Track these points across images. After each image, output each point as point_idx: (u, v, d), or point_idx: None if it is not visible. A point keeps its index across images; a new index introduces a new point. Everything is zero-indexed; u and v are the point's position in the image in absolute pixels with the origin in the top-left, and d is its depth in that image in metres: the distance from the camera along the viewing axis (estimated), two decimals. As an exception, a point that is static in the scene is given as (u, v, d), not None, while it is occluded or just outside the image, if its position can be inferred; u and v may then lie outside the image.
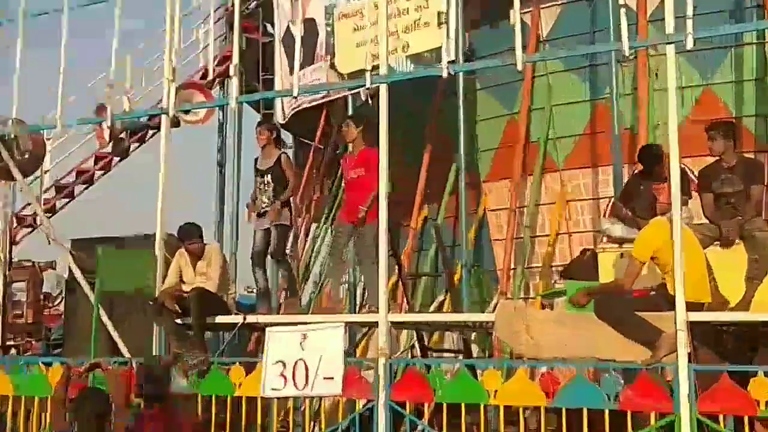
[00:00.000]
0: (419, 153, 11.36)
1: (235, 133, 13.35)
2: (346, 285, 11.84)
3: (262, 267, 8.46)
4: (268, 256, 8.41)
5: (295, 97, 8.35)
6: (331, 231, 8.29)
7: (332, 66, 10.08)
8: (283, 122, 11.41)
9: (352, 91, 9.63)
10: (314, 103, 11.08)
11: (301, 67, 8.43)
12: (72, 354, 10.21)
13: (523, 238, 10.52)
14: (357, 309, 11.11)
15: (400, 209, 10.77)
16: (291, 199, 8.43)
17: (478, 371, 7.68)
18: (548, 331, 6.41)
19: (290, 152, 13.10)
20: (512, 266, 10.39)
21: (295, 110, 11.27)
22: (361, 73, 7.46)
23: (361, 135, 8.14)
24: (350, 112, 10.79)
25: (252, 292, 16.90)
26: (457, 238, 10.85)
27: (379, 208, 7.17)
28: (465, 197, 10.06)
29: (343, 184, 9.07)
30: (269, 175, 8.28)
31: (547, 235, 10.54)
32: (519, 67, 6.83)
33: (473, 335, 9.45)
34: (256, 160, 8.59)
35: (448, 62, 6.98)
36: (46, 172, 12.40)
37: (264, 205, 8.23)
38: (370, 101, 7.98)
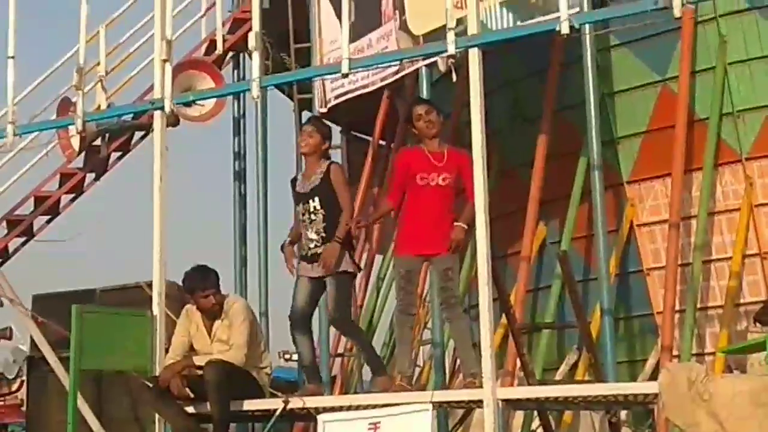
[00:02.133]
0: (528, 146, 11.32)
1: (259, 133, 13.49)
2: (429, 346, 11.84)
3: (307, 332, 8.35)
4: (316, 319, 8.38)
5: (345, 76, 8.34)
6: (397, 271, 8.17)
7: (403, 27, 10.13)
8: (324, 111, 11.51)
9: (427, 61, 9.64)
10: (383, 83, 11.11)
11: (357, 31, 8.44)
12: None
13: (692, 266, 10.39)
14: (447, 381, 11.09)
15: (503, 229, 10.73)
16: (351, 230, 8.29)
17: (636, 470, 7.58)
18: (743, 413, 6.30)
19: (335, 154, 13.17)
20: (677, 308, 10.26)
21: (346, 96, 11.33)
22: (439, 33, 7.50)
23: (442, 125, 8.12)
24: (424, 93, 10.81)
25: (291, 359, 17.13)
26: (593, 269, 10.76)
27: (477, 230, 7.15)
28: (601, 208, 9.97)
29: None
30: (316, 199, 8.21)
31: (728, 259, 10.41)
32: (677, 12, 6.77)
33: (624, 414, 9.33)
34: (293, 181, 8.58)
35: (569, 13, 6.94)
36: (-8, 200, 12.71)
37: (312, 245, 8.17)
38: (454, 75, 7.96)
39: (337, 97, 11.50)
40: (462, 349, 8.02)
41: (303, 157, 8.62)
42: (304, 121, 12.52)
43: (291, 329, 8.24)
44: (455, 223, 7.85)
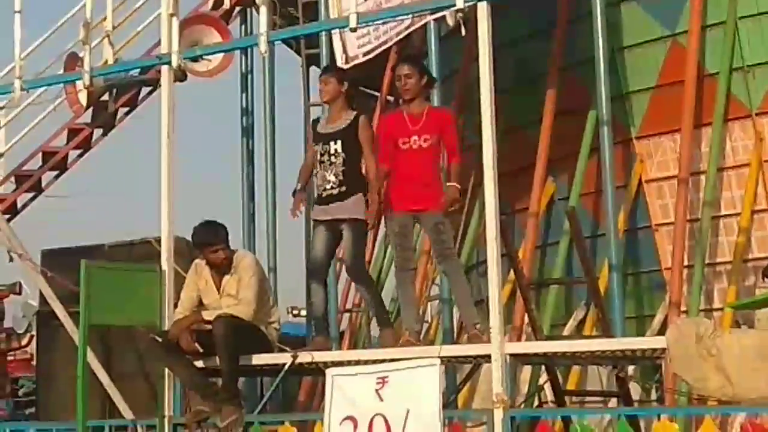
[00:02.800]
0: (536, 103, 11.29)
1: (266, 88, 13.45)
2: (437, 302, 11.87)
3: (322, 282, 8.33)
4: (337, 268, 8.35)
5: (354, 30, 8.27)
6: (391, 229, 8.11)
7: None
8: (347, 68, 11.46)
9: (435, 15, 9.58)
10: (399, 38, 11.06)
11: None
12: (50, 415, 10.53)
13: (701, 222, 10.38)
14: (456, 336, 11.13)
15: (510, 185, 10.72)
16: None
17: (643, 423, 7.60)
18: (750, 367, 6.31)
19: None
20: (686, 263, 10.27)
21: (373, 53, 11.27)
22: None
23: (425, 85, 8.06)
24: (432, 50, 10.76)
25: (299, 315, 17.17)
26: (601, 225, 10.78)
27: (485, 186, 7.14)
28: (610, 163, 9.96)
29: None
30: (339, 142, 8.13)
31: (737, 215, 10.41)
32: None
33: (632, 369, 9.36)
34: (314, 122, 8.56)
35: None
36: (0, 156, 12.72)
37: (329, 186, 8.08)
38: (463, 29, 7.88)
39: (365, 54, 11.44)
40: (462, 301, 8.02)
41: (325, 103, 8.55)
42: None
43: (307, 278, 8.27)
44: (448, 183, 7.81)
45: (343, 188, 8.01)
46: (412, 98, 8.01)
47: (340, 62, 11.51)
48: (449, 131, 7.86)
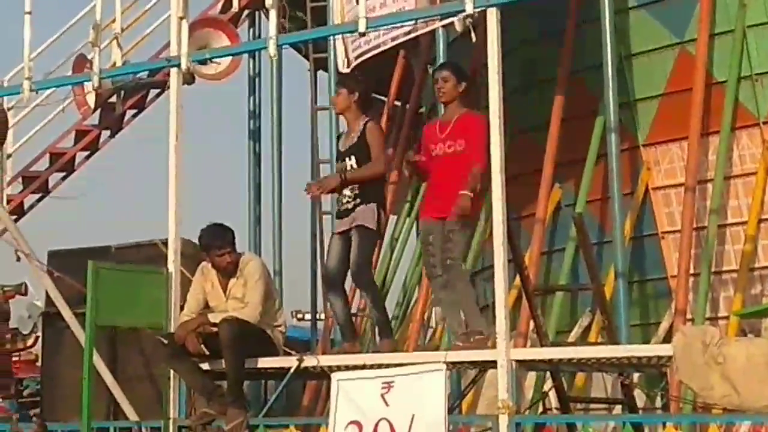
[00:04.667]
0: (543, 108, 11.29)
1: (274, 92, 13.48)
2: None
3: (340, 292, 8.29)
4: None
5: (363, 34, 8.30)
6: (417, 233, 8.19)
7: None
8: (346, 72, 11.47)
9: (444, 21, 9.59)
10: (395, 43, 11.09)
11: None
12: (55, 416, 10.52)
13: (708, 230, 10.37)
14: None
15: (517, 191, 10.71)
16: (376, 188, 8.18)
17: (647, 431, 7.59)
18: (757, 376, 6.31)
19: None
20: (692, 271, 10.26)
21: (364, 56, 11.29)
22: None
23: (461, 93, 8.05)
24: (440, 55, 10.76)
25: (304, 319, 17.17)
26: (608, 231, 10.76)
27: (493, 191, 7.14)
28: (617, 171, 9.96)
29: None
30: (353, 158, 8.16)
31: (744, 223, 10.39)
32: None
33: (637, 376, 9.34)
34: (338, 138, 8.64)
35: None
36: (8, 156, 12.74)
37: (345, 200, 8.12)
38: (473, 35, 7.88)
39: (357, 57, 11.47)
40: (465, 309, 7.93)
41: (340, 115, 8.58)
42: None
43: (324, 289, 8.26)
44: (460, 192, 7.75)
45: (357, 201, 8.06)
46: (447, 102, 8.05)
47: (341, 67, 11.52)
48: (474, 136, 7.79)
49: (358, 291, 9.24)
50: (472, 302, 7.92)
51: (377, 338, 8.53)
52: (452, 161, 7.92)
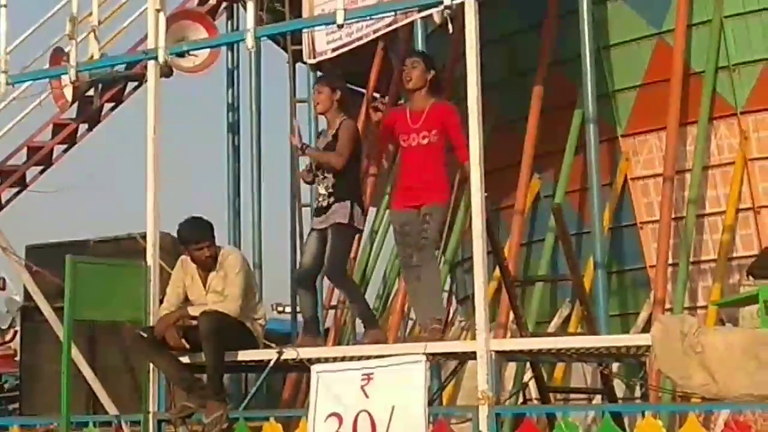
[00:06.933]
0: (523, 99, 11.31)
1: (253, 84, 13.44)
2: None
3: (310, 289, 8.42)
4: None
5: (340, 26, 8.29)
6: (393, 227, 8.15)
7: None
8: (313, 63, 11.48)
9: (423, 13, 9.59)
10: (376, 35, 11.07)
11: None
12: (34, 411, 10.52)
13: (686, 220, 10.41)
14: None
15: (496, 183, 10.73)
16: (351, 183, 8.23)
17: (627, 420, 7.63)
18: (734, 364, 6.34)
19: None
20: (670, 261, 10.30)
21: (345, 48, 11.28)
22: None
23: (430, 82, 8.04)
24: (419, 45, 10.76)
25: (284, 312, 17.18)
26: (586, 222, 10.80)
27: (472, 183, 7.15)
28: (595, 162, 9.99)
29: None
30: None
31: (722, 213, 10.45)
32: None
33: (616, 366, 9.38)
34: (318, 136, 8.69)
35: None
36: (-15, 151, 12.69)
37: (321, 198, 8.20)
38: (450, 26, 7.87)
39: (334, 50, 11.45)
40: (428, 291, 7.92)
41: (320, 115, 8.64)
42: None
43: (295, 285, 8.30)
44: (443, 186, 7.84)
45: (331, 199, 8.12)
46: (413, 89, 7.99)
47: (305, 57, 11.51)
48: (453, 126, 7.81)
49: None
50: (434, 288, 7.94)
51: (363, 330, 8.53)
52: (426, 151, 7.92)
